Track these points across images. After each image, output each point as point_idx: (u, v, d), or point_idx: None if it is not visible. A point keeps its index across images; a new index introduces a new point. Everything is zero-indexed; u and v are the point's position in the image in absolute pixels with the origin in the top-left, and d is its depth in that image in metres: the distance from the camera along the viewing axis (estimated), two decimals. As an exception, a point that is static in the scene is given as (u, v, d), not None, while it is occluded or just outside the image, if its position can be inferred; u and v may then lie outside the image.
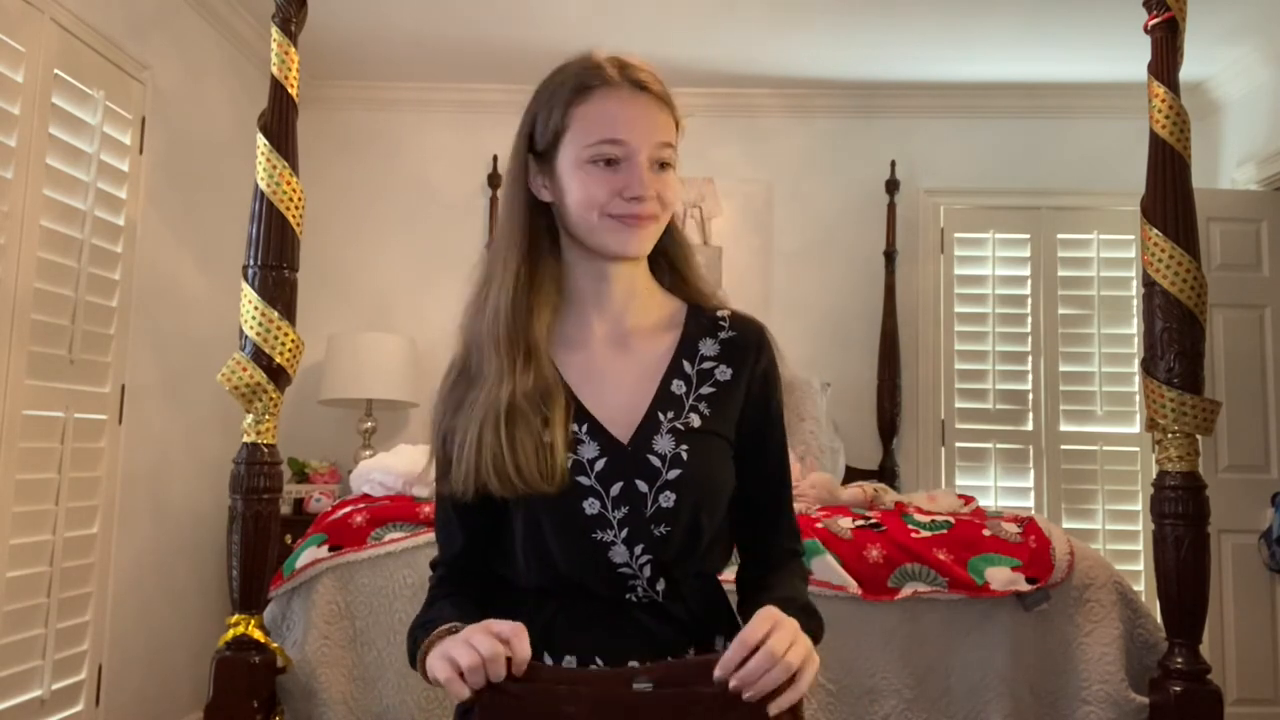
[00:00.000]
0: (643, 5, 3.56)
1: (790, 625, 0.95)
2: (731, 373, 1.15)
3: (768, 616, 0.95)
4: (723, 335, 1.17)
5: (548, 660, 1.05)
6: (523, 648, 0.94)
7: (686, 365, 1.15)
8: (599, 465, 1.08)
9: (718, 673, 0.93)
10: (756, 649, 0.92)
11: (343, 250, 4.34)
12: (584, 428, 1.10)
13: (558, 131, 1.11)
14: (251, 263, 2.13)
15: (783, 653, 0.92)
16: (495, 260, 1.15)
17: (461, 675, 0.93)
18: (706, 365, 1.15)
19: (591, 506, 1.06)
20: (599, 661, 1.05)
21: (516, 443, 1.05)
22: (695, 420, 1.11)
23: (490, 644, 0.93)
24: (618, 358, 1.15)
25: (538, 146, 1.13)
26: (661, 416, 1.11)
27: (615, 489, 1.07)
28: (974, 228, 4.27)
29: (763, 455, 1.17)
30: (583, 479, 1.07)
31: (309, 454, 4.09)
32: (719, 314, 1.19)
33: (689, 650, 1.08)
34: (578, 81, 1.11)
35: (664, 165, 1.11)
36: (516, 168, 1.15)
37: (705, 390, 1.14)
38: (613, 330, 1.15)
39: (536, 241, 1.14)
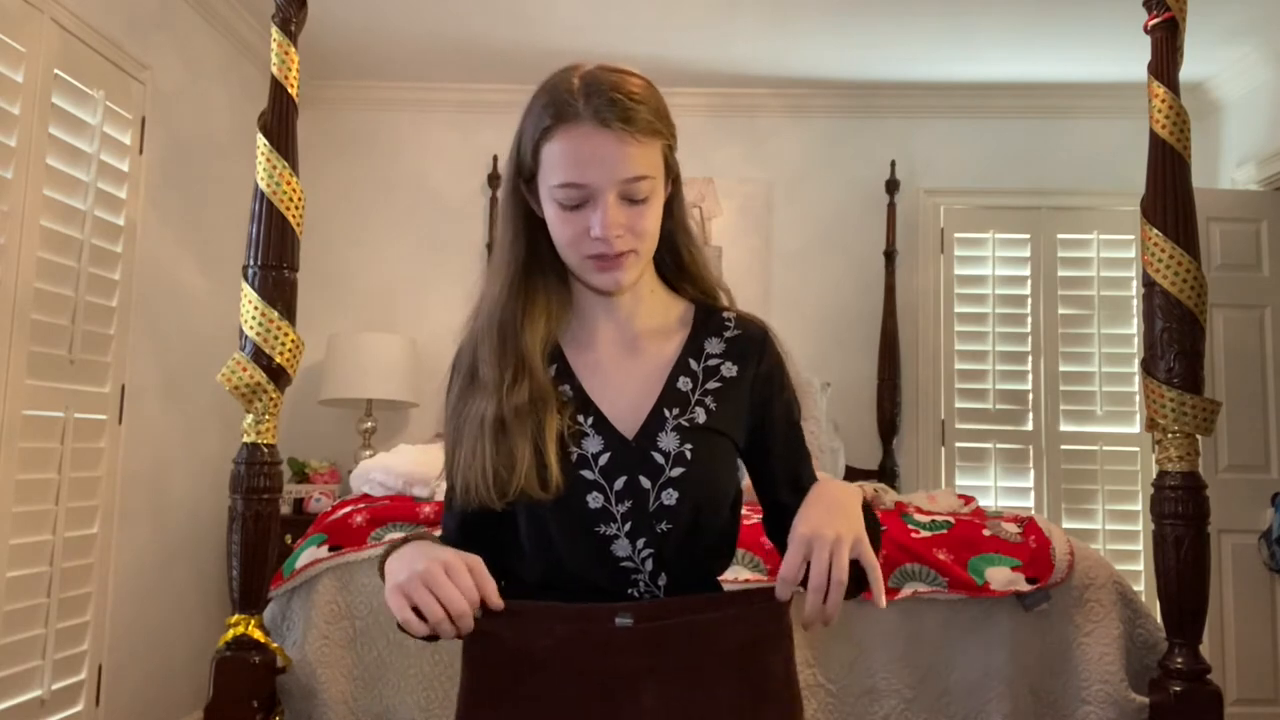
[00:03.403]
0: (643, 5, 3.56)
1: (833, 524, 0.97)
2: (737, 370, 1.16)
3: (801, 540, 0.97)
4: (728, 334, 1.18)
5: None
6: (489, 588, 0.95)
7: (693, 362, 1.16)
8: (603, 460, 1.09)
9: (781, 589, 0.98)
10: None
11: (343, 250, 4.34)
12: (589, 420, 1.11)
13: (531, 168, 1.10)
14: (251, 263, 2.13)
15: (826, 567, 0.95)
16: (490, 271, 1.16)
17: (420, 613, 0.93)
18: (712, 362, 1.16)
19: (595, 501, 1.07)
20: None
21: (512, 455, 1.06)
22: (701, 416, 1.12)
23: (458, 600, 0.93)
24: (626, 359, 1.16)
25: (524, 174, 1.13)
26: (667, 413, 1.11)
27: (619, 484, 1.08)
28: (974, 228, 4.27)
29: (778, 441, 1.19)
30: (586, 473, 1.08)
31: (309, 454, 4.09)
32: (725, 315, 1.20)
33: None
34: (544, 117, 1.07)
35: (636, 200, 1.07)
36: (510, 187, 1.15)
37: (711, 385, 1.15)
38: (621, 334, 1.17)
39: (534, 259, 1.15)
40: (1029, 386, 4.15)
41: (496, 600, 0.95)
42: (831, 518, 0.97)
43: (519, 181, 1.14)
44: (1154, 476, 2.10)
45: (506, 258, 1.15)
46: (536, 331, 1.12)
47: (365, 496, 2.70)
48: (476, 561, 0.96)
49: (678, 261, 1.21)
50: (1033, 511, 3.83)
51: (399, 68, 4.18)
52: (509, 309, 1.12)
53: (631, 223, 1.07)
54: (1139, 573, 3.89)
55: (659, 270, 1.21)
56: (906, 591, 2.17)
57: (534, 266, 1.15)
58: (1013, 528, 2.36)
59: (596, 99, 1.05)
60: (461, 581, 0.93)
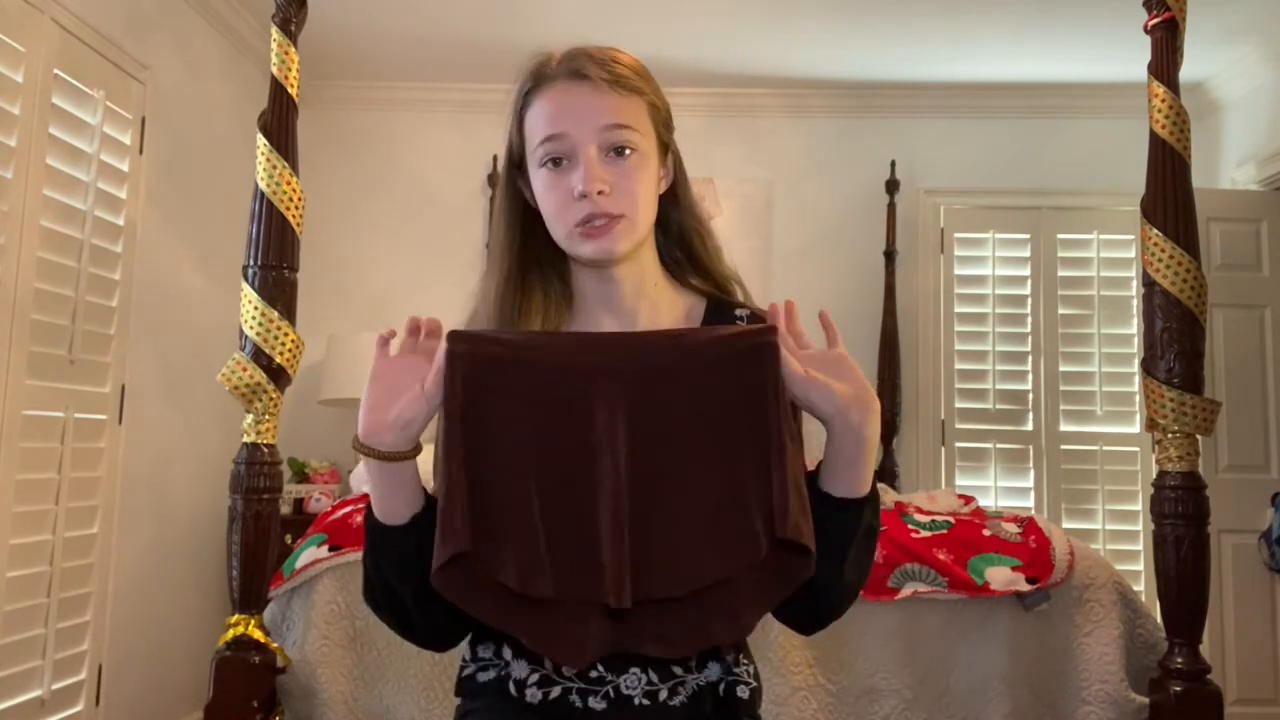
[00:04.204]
0: (642, 5, 3.56)
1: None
2: None
3: None
4: None
5: (547, 665, 1.05)
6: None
7: None
8: None
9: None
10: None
11: (343, 250, 4.34)
12: None
13: (520, 144, 1.09)
14: (251, 263, 2.13)
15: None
16: (487, 267, 1.14)
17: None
18: None
19: None
20: (599, 667, 1.03)
21: None
22: None
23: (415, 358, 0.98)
24: None
25: (515, 159, 1.12)
26: None
27: None
28: (974, 228, 4.27)
29: None
30: None
31: (309, 454, 4.09)
32: (738, 311, 1.15)
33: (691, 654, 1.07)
34: (523, 87, 1.08)
35: (621, 150, 1.04)
36: (506, 178, 1.14)
37: None
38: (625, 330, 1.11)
39: (530, 246, 1.12)
40: (1029, 386, 4.15)
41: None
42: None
43: (512, 172, 1.13)
44: (1154, 476, 2.10)
45: (502, 251, 1.13)
46: (534, 327, 1.08)
47: (365, 496, 2.70)
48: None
49: (688, 252, 1.17)
50: (1033, 511, 3.82)
51: (399, 68, 4.18)
52: (507, 304, 1.09)
53: (617, 181, 1.03)
54: (1139, 573, 3.89)
55: (666, 264, 1.16)
56: (906, 591, 2.17)
57: (530, 260, 1.12)
58: (1013, 528, 2.36)
59: (571, 60, 1.06)
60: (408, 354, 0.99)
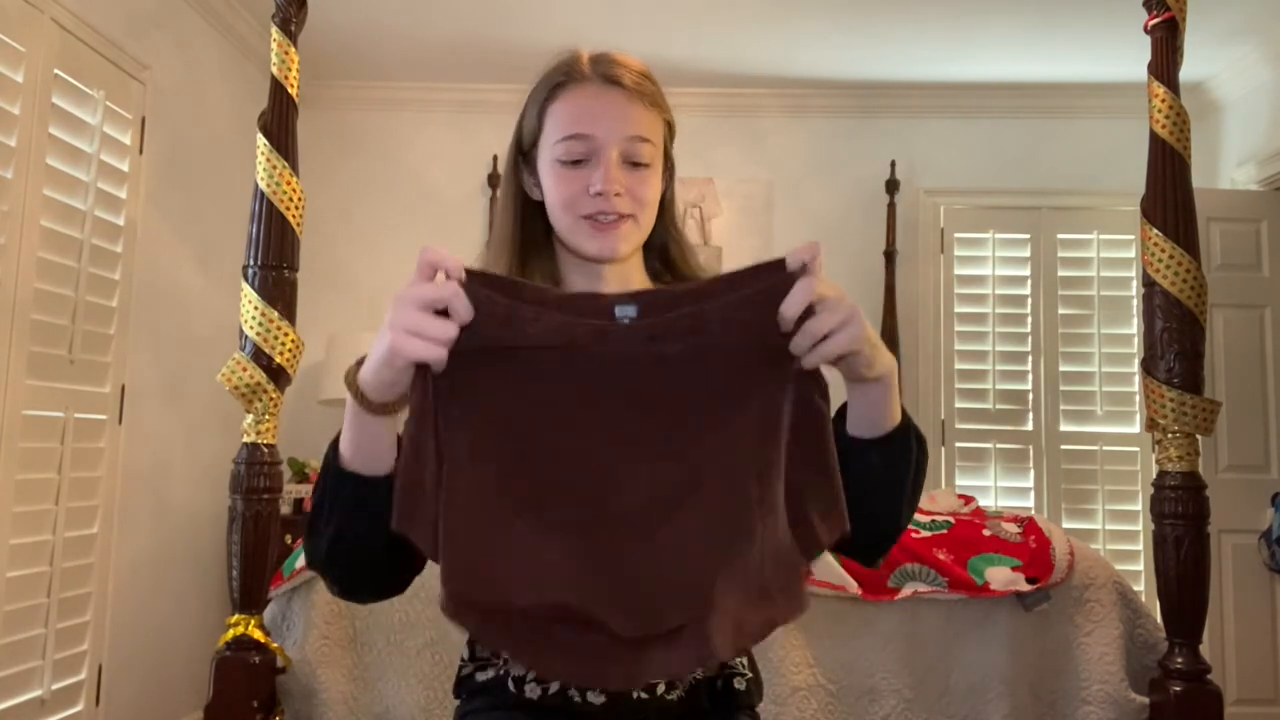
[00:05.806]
0: (642, 5, 3.56)
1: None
2: None
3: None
4: None
5: None
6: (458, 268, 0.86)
7: None
8: None
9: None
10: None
11: (343, 250, 4.34)
12: None
13: (535, 132, 1.11)
14: (251, 263, 2.13)
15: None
16: (489, 257, 1.15)
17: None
18: None
19: None
20: None
21: None
22: None
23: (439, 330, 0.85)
24: None
25: (524, 147, 1.13)
26: None
27: None
28: (974, 228, 4.27)
29: None
30: None
31: (309, 454, 4.08)
32: None
33: None
34: (552, 80, 1.10)
35: (638, 163, 1.07)
36: (510, 167, 1.16)
37: None
38: None
39: (530, 241, 1.14)
40: (1029, 386, 4.15)
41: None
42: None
43: (518, 159, 1.14)
44: (1154, 476, 2.10)
45: (502, 243, 1.14)
46: None
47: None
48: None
49: (665, 257, 1.19)
50: (1033, 511, 3.82)
51: (399, 68, 4.18)
52: None
53: (632, 187, 1.07)
54: (1139, 573, 3.89)
55: (648, 269, 1.18)
56: (906, 591, 2.17)
57: (531, 252, 1.14)
58: (1013, 528, 2.36)
59: (604, 65, 1.09)
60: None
